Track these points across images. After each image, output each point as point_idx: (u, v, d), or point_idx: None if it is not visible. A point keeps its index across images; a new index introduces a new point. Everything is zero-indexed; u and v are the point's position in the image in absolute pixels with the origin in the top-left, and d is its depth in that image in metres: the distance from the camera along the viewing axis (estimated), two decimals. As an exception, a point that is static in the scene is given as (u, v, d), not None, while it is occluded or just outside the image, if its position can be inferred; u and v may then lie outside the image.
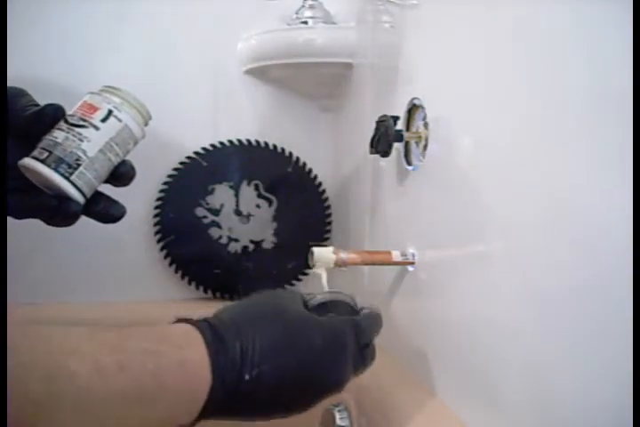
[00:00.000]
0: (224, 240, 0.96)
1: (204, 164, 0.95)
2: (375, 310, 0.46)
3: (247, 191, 0.97)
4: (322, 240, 0.99)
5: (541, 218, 0.39)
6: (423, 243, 0.59)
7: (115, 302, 0.92)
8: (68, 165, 0.46)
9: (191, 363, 0.32)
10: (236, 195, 0.96)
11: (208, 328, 0.35)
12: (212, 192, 0.95)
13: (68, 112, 0.49)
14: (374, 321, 0.44)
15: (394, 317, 0.67)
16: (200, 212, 0.95)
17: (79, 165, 0.47)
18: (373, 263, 0.61)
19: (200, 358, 0.33)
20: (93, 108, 0.48)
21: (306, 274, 1.00)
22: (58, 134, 0.47)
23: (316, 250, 0.59)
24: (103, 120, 0.48)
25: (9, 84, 0.50)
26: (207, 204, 0.95)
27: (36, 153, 0.47)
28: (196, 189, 0.95)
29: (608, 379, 0.32)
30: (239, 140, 0.97)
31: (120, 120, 0.49)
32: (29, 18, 0.87)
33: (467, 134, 0.50)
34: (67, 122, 0.48)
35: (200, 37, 0.94)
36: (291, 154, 0.98)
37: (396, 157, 0.64)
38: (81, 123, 0.47)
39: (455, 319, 0.51)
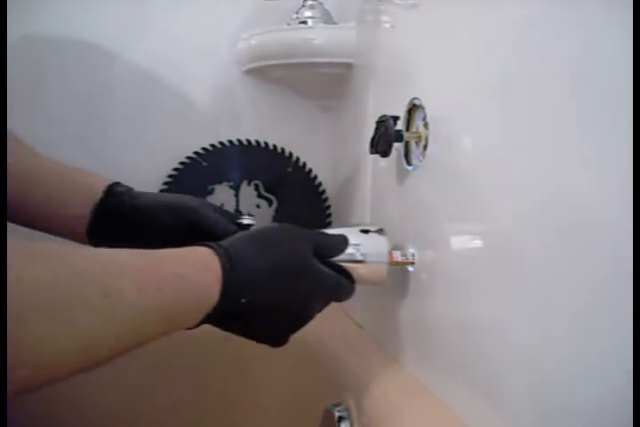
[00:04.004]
0: (224, 240, 0.96)
1: (204, 164, 0.95)
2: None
3: (247, 191, 0.97)
4: (322, 240, 0.99)
5: (542, 218, 0.39)
6: (423, 243, 0.59)
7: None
8: None
9: (205, 285, 0.41)
10: (236, 195, 0.96)
11: (225, 256, 0.42)
12: (211, 192, 0.95)
13: None
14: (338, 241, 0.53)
15: (394, 317, 0.67)
16: (200, 212, 0.95)
17: None
18: (373, 263, 0.61)
19: (214, 282, 0.41)
20: None
21: (306, 274, 1.00)
22: None
23: (316, 250, 0.59)
24: None
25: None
26: (207, 204, 0.95)
27: None
28: (196, 189, 0.95)
29: (608, 379, 0.32)
30: (239, 140, 0.97)
31: None
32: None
33: (467, 134, 0.50)
34: None
35: (200, 37, 0.94)
36: (291, 154, 0.98)
37: (396, 157, 0.64)
38: None
39: (456, 319, 0.51)
